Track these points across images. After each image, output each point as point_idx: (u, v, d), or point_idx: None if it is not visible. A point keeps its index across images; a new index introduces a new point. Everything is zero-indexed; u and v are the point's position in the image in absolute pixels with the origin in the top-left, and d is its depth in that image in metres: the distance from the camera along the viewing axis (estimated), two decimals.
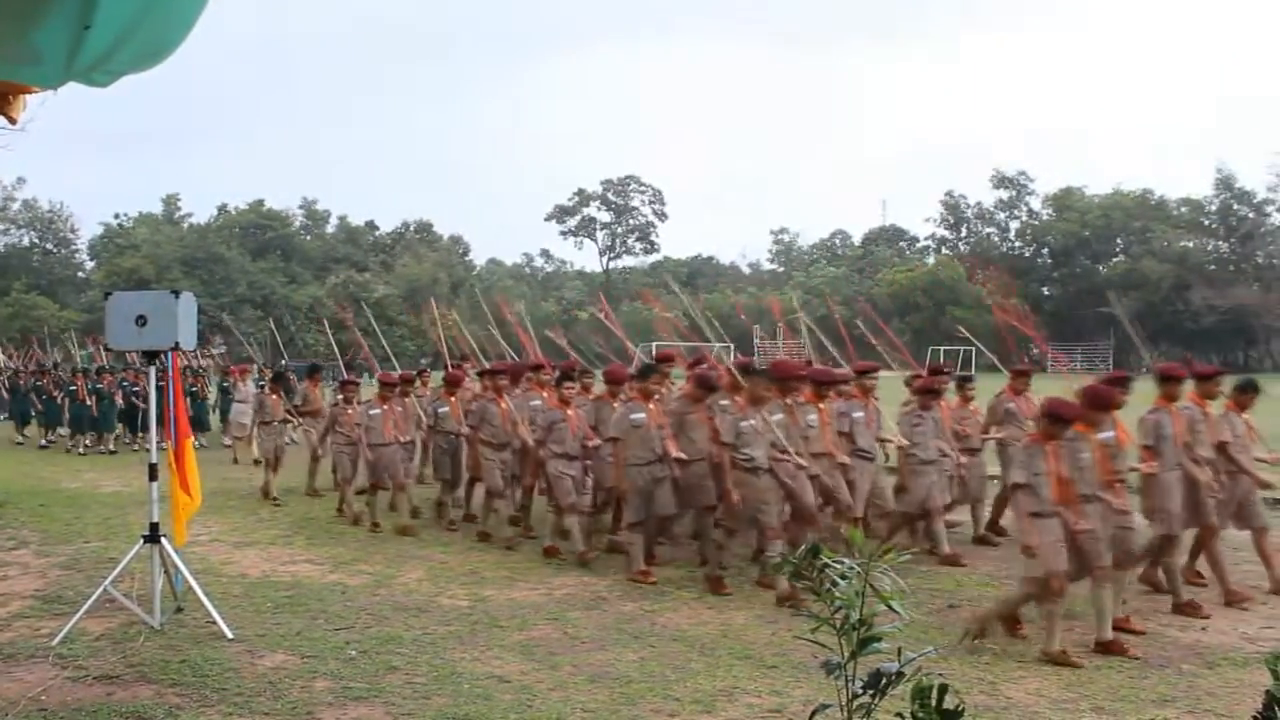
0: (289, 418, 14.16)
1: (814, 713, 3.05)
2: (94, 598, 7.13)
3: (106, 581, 7.19)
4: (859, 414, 9.53)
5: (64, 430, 21.64)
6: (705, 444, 8.76)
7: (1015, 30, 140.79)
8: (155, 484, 7.32)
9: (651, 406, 9.01)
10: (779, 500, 8.31)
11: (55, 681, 5.99)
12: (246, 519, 11.93)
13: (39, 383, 22.35)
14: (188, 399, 20.45)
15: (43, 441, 21.84)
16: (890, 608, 3.01)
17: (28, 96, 4.67)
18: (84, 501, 13.38)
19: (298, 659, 6.46)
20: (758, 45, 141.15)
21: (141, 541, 7.24)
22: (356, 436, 11.73)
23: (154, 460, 7.45)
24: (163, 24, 3.21)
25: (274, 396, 14.47)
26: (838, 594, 3.00)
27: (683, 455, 8.76)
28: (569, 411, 9.82)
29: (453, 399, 11.86)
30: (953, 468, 9.88)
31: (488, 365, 11.92)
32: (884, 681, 2.96)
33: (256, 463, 16.06)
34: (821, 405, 9.12)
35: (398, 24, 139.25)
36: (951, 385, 10.91)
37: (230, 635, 6.86)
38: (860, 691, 2.98)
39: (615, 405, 9.73)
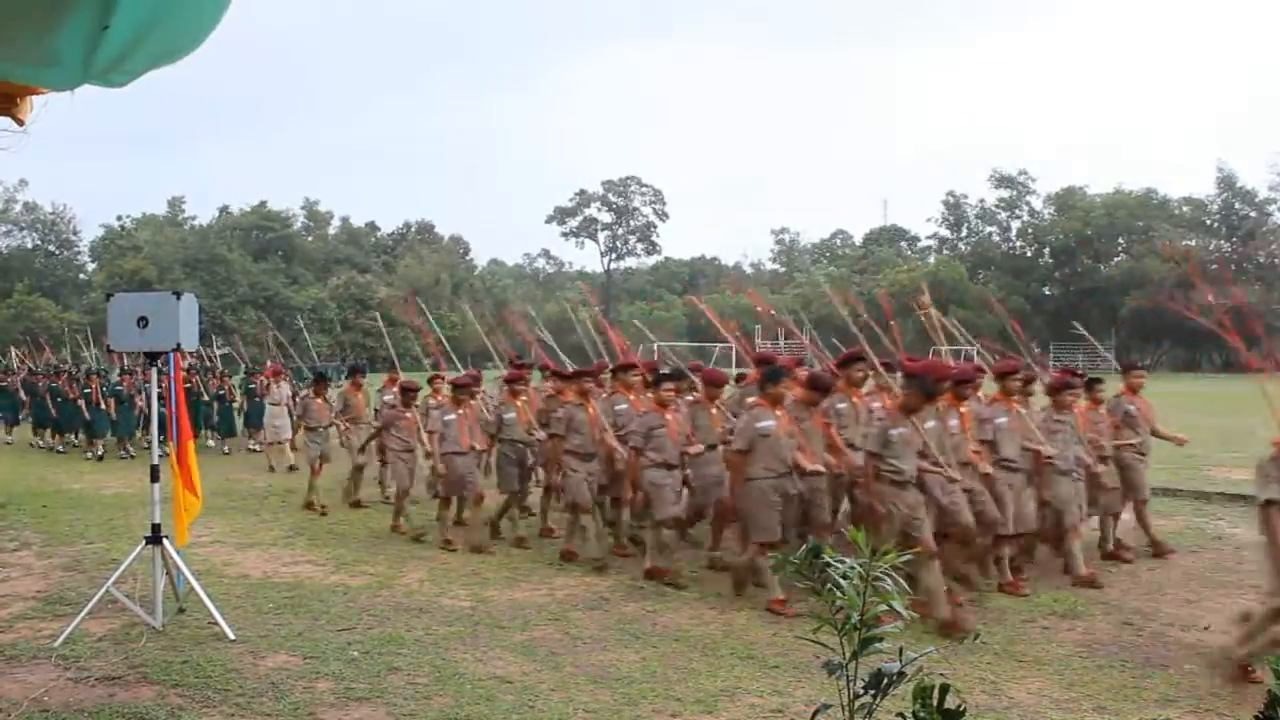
0: (335, 423, 13.41)
1: (816, 713, 3.05)
2: (96, 599, 7.13)
3: (109, 583, 7.20)
4: (1002, 419, 8.60)
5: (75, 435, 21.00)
6: (822, 454, 8.12)
7: (1017, 29, 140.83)
8: (157, 485, 7.33)
9: (780, 413, 8.03)
10: (931, 517, 7.55)
11: (57, 682, 5.99)
12: (248, 520, 11.93)
13: (55, 385, 21.28)
14: (215, 401, 20.21)
15: (59, 447, 21.12)
16: (892, 608, 3.01)
17: (33, 98, 4.68)
18: (86, 503, 13.39)
19: (299, 660, 6.46)
20: (758, 45, 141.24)
21: (143, 543, 7.26)
22: (431, 444, 10.53)
23: (155, 462, 7.46)
24: (182, 23, 3.20)
25: (319, 400, 13.66)
26: (839, 594, 2.99)
27: (819, 468, 8.01)
28: (668, 416, 8.95)
29: (519, 402, 10.89)
30: (1088, 477, 8.99)
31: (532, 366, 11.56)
32: (885, 681, 2.96)
33: (292, 469, 16.01)
34: (963, 409, 8.37)
35: (400, 27, 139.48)
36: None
37: (232, 636, 6.87)
38: (862, 691, 2.98)
39: (713, 411, 9.27)
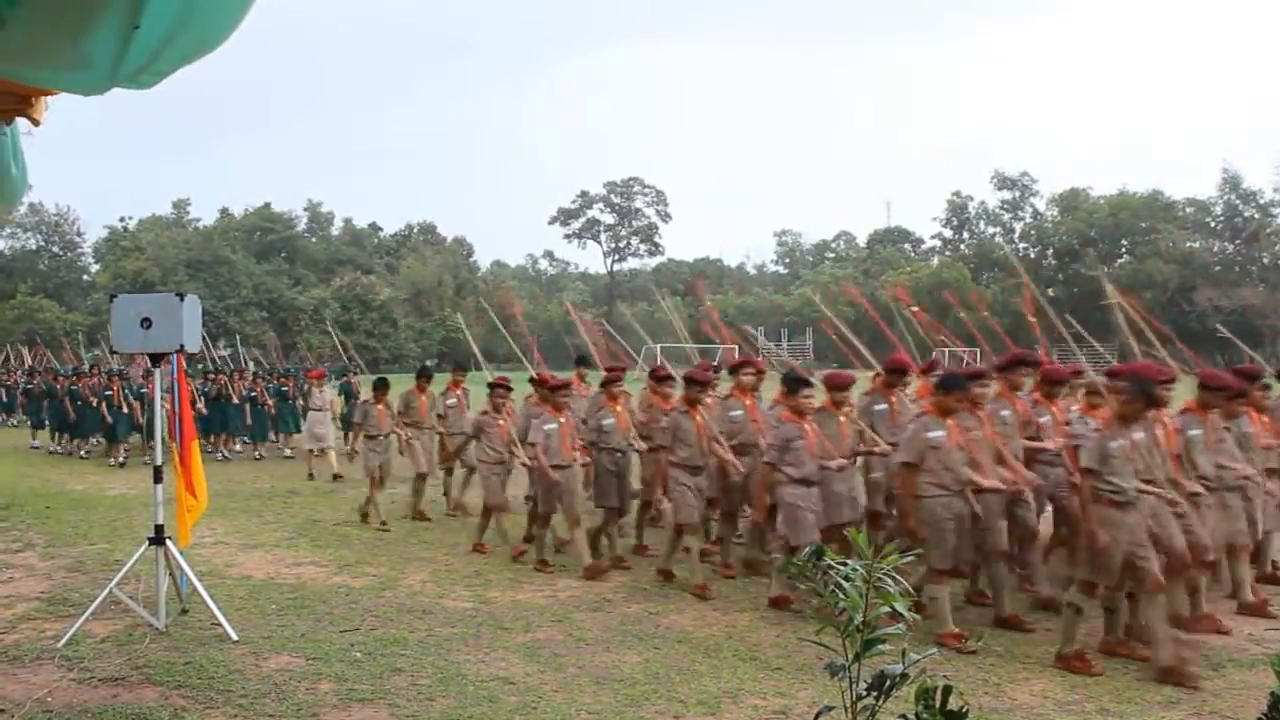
0: (396, 430, 12.40)
1: (818, 714, 3.05)
2: (99, 600, 7.14)
3: (112, 584, 7.21)
4: (1195, 431, 7.62)
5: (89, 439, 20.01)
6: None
7: (1021, 29, 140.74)
8: (160, 486, 7.34)
9: (952, 423, 7.25)
10: (1150, 542, 6.50)
11: (61, 683, 6.00)
12: (251, 521, 11.93)
13: (74, 388, 19.97)
14: (246, 404, 19.25)
15: (81, 452, 19.91)
16: (895, 610, 3.01)
17: (48, 98, 4.67)
18: (89, 504, 13.40)
19: (302, 661, 6.46)
20: (760, 46, 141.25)
21: (146, 544, 7.26)
22: (536, 459, 9.34)
23: (159, 463, 7.47)
24: (210, 20, 3.20)
25: (380, 406, 12.41)
26: (841, 596, 2.99)
27: (999, 485, 7.33)
28: (806, 426, 7.97)
29: (618, 408, 9.88)
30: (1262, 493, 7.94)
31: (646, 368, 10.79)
32: (888, 683, 2.96)
33: (336, 478, 15.42)
34: (1165, 418, 7.39)
35: (402, 28, 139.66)
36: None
37: (235, 637, 6.87)
38: (864, 693, 2.98)
39: (841, 418, 8.40)
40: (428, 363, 26.65)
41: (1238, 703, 5.75)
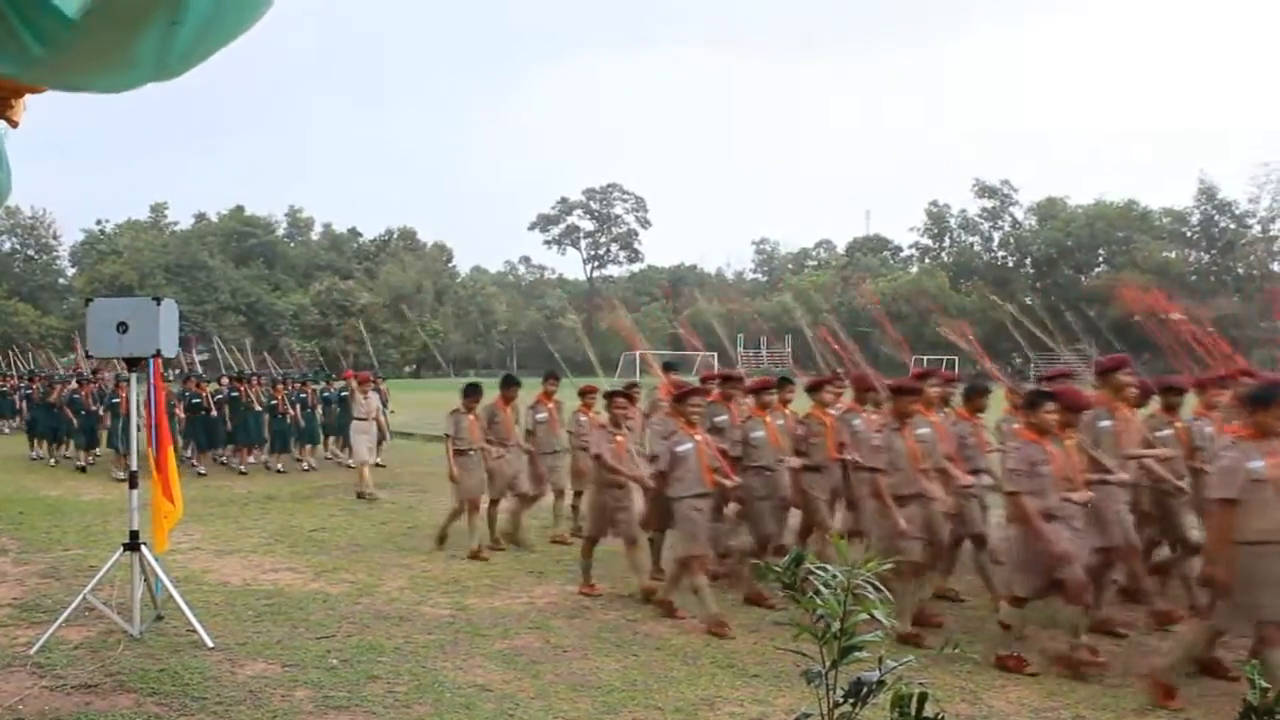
0: (485, 446, 10.71)
1: None
2: (73, 606, 7.07)
3: (86, 590, 7.15)
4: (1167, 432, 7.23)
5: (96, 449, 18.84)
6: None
7: (998, 38, 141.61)
8: (135, 492, 7.29)
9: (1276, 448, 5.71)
10: None
11: (33, 691, 5.94)
12: (228, 526, 11.86)
13: (76, 395, 18.85)
14: (267, 413, 18.03)
15: (81, 463, 18.50)
16: (873, 616, 3.02)
17: (27, 98, 4.63)
18: (64, 509, 13.29)
19: (278, 668, 6.43)
20: (741, 55, 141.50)
21: (121, 549, 7.21)
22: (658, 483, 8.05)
23: (134, 468, 7.43)
24: (243, 6, 3.22)
25: (471, 416, 10.70)
26: (819, 602, 3.00)
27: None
28: (1050, 448, 6.54)
29: (768, 418, 8.67)
30: None
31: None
32: (865, 690, 2.97)
33: (360, 496, 14.17)
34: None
35: (382, 33, 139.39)
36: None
37: (210, 644, 6.83)
38: (841, 700, 2.99)
39: (977, 424, 7.93)
40: (405, 369, 26.13)
41: (1211, 709, 5.79)
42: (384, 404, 18.71)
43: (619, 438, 8.66)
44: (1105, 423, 7.28)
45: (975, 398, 8.48)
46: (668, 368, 12.08)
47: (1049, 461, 6.45)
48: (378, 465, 16.54)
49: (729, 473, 8.02)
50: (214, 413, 17.52)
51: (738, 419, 9.07)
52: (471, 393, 10.81)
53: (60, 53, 2.97)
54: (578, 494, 11.15)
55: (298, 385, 19.20)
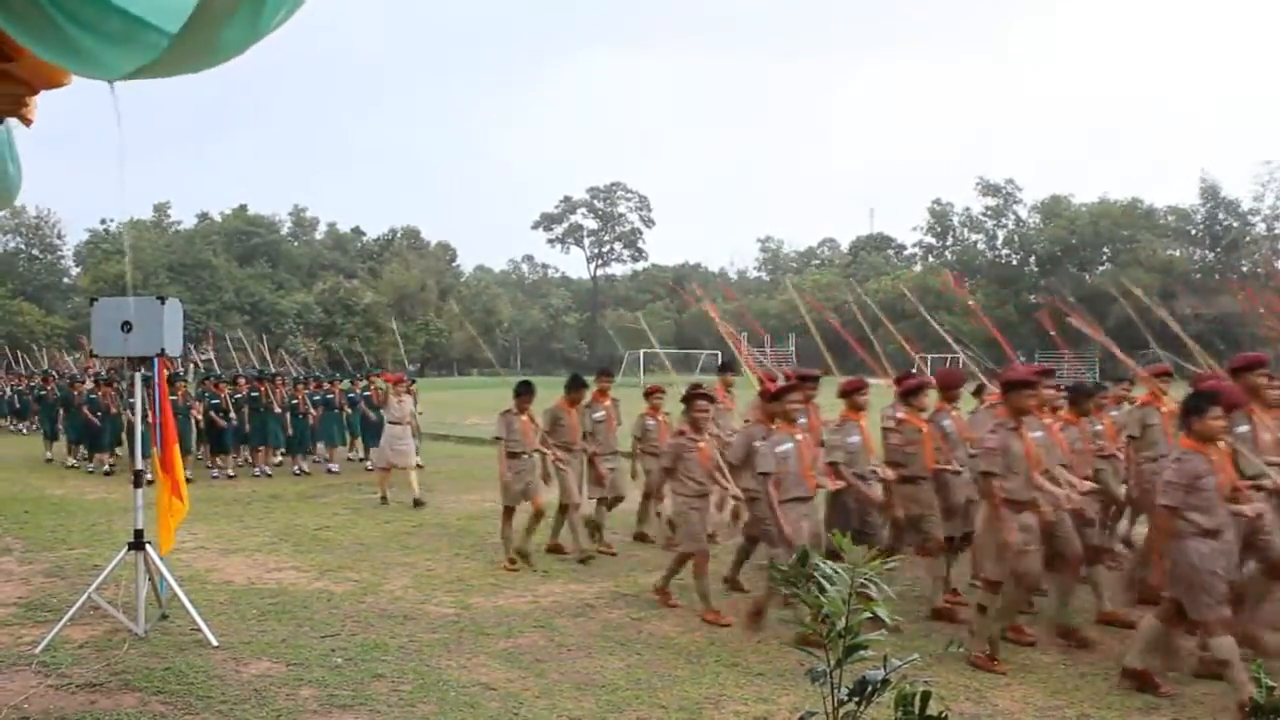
0: (542, 449, 10.00)
1: None
2: (78, 605, 7.08)
3: (91, 589, 7.15)
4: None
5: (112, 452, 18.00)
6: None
7: (1004, 36, 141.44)
8: (140, 491, 7.29)
9: None
10: None
11: (38, 690, 5.95)
12: (232, 526, 11.87)
13: (94, 396, 18.15)
14: (287, 413, 17.30)
15: (105, 467, 17.73)
16: (877, 615, 3.01)
17: (40, 96, 4.64)
18: (69, 508, 13.31)
19: (283, 667, 6.43)
20: (746, 55, 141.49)
21: (126, 548, 7.21)
22: (767, 493, 7.18)
23: (139, 467, 7.43)
24: None
25: (524, 417, 9.95)
26: (824, 601, 3.00)
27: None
28: (1213, 457, 5.90)
29: (862, 420, 8.02)
30: None
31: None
32: (869, 689, 2.97)
33: (418, 504, 13.39)
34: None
35: (385, 32, 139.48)
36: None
37: (215, 643, 6.83)
38: (846, 699, 2.99)
39: (1084, 427, 7.42)
40: (409, 368, 25.52)
41: (1217, 707, 5.78)
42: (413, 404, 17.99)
43: (701, 444, 8.02)
44: (1243, 427, 6.75)
45: (1082, 399, 7.97)
46: (725, 368, 11.66)
47: (1214, 473, 5.83)
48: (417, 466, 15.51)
49: (831, 475, 7.57)
50: (233, 414, 16.93)
51: (817, 422, 8.64)
52: (524, 392, 10.06)
53: (157, 61, 3.02)
54: (645, 499, 10.79)
55: (318, 385, 18.52)
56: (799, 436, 7.35)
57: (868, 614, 2.99)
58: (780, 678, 6.27)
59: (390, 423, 14.42)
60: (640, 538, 10.81)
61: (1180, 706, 5.84)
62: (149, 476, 7.58)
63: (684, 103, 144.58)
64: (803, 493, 7.24)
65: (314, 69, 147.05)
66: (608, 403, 10.78)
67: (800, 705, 5.49)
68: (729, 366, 11.65)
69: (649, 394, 10.75)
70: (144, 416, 7.59)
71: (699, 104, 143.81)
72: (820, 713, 3.02)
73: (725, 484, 8.18)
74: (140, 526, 7.18)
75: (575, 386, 10.56)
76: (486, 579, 9.08)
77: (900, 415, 8.11)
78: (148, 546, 7.20)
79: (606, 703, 5.82)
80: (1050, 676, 6.36)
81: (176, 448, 7.85)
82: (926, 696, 2.95)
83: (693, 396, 8.24)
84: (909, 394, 8.11)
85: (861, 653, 2.99)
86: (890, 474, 7.84)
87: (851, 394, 8.08)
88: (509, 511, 9.77)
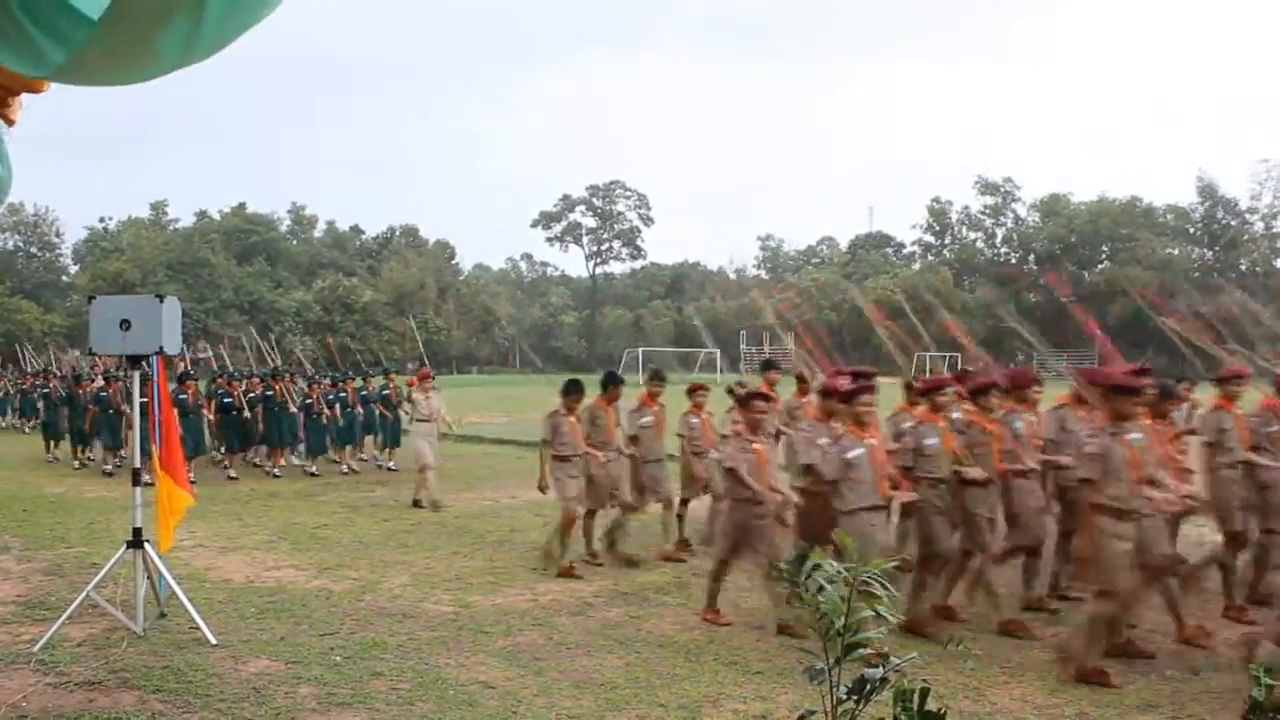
0: (590, 451, 9.49)
1: (799, 718, 3.05)
2: (76, 603, 7.07)
3: (89, 587, 7.15)
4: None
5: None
6: None
7: (1002, 35, 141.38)
8: (138, 489, 7.29)
9: None
10: None
11: (36, 688, 5.95)
12: (231, 524, 11.87)
13: (103, 393, 17.53)
14: (302, 413, 16.77)
15: (108, 467, 17.24)
16: (878, 613, 3.02)
17: (23, 96, 4.63)
18: (67, 506, 13.30)
19: (282, 665, 6.43)
20: (744, 54, 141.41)
21: (125, 547, 7.21)
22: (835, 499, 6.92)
23: (137, 465, 7.43)
24: None
25: (573, 418, 9.57)
26: (823, 600, 3.00)
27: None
28: None
29: (941, 421, 7.55)
30: None
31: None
32: (868, 687, 2.97)
33: (436, 506, 13.00)
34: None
35: (383, 30, 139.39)
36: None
37: (214, 641, 6.83)
38: (845, 697, 2.99)
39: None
40: (408, 366, 25.02)
41: (1216, 706, 5.78)
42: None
43: (757, 446, 7.59)
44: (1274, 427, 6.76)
45: (1163, 402, 7.49)
46: (769, 365, 10.93)
47: None
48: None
49: (901, 483, 7.09)
50: (247, 413, 16.61)
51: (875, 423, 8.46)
52: (573, 391, 9.58)
53: (86, 52, 2.98)
54: (684, 503, 10.45)
55: (332, 384, 17.92)
56: (871, 441, 6.95)
57: (868, 612, 2.98)
58: (779, 676, 6.27)
59: (419, 420, 13.92)
60: (708, 542, 9.83)
61: (1179, 704, 5.84)
62: (146, 475, 7.55)
63: (683, 102, 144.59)
64: (875, 501, 6.85)
65: (313, 67, 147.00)
66: (656, 408, 10.24)
67: (799, 704, 5.49)
68: (772, 364, 11.04)
69: (692, 391, 10.42)
70: (143, 414, 7.59)
71: (698, 103, 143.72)
72: (819, 711, 3.02)
73: (781, 490, 7.67)
74: (139, 525, 7.17)
75: (611, 384, 10.04)
76: (485, 577, 9.08)
77: (968, 416, 7.72)
78: (146, 545, 7.19)
79: (605, 701, 5.82)
80: (1049, 675, 6.35)
81: (178, 445, 7.86)
82: (925, 693, 2.95)
83: (750, 396, 7.89)
84: (977, 393, 7.71)
85: (860, 651, 2.99)
86: (978, 473, 7.29)
87: (930, 393, 7.68)
88: (590, 514, 9.57)
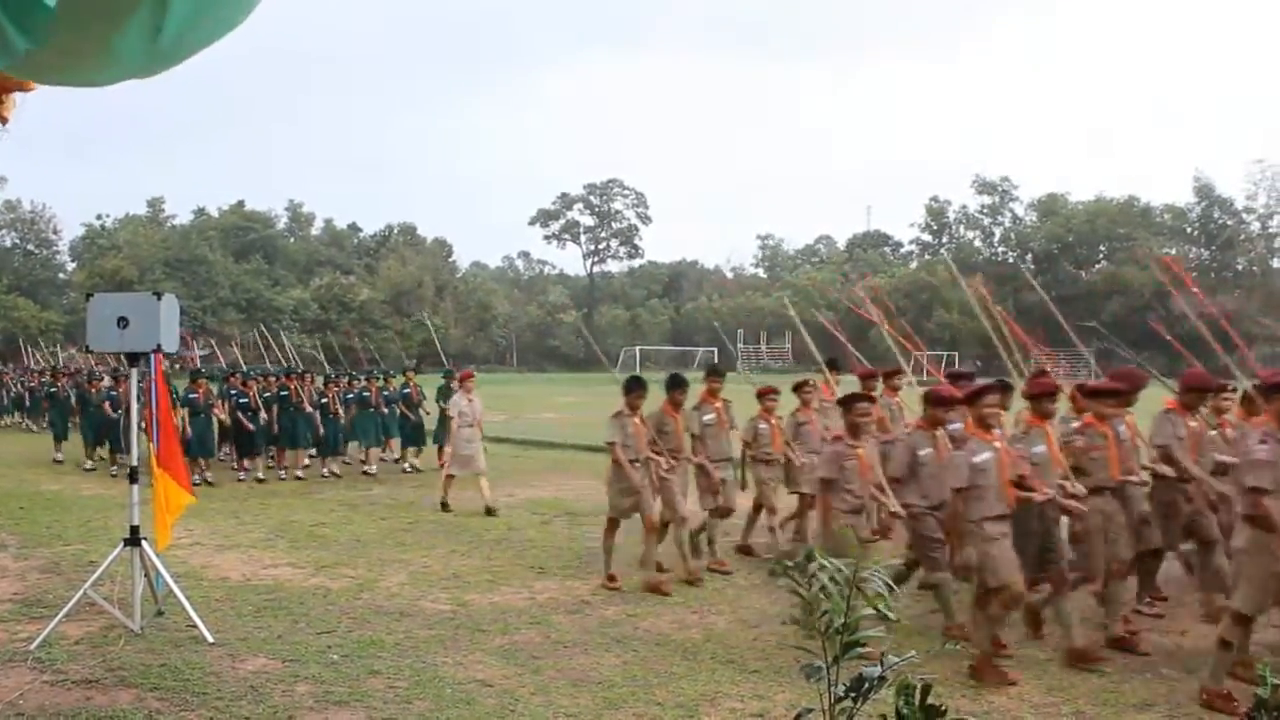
0: (653, 456, 8.82)
1: (797, 717, 3.05)
2: (74, 601, 7.07)
3: (87, 585, 7.15)
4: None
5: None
6: None
7: (1000, 35, 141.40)
8: (135, 487, 7.28)
9: None
10: None
11: (33, 686, 5.94)
12: (228, 522, 11.86)
13: (114, 393, 17.11)
14: (317, 412, 16.37)
15: (113, 470, 16.68)
16: (878, 611, 3.01)
17: (17, 94, 4.62)
18: (65, 504, 13.29)
19: (279, 663, 6.42)
20: (744, 53, 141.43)
21: (122, 544, 7.20)
22: (954, 509, 6.57)
23: (134, 463, 7.42)
24: (226, 4, 3.21)
25: (637, 419, 8.81)
26: (821, 597, 3.00)
27: None
28: None
29: (1047, 427, 6.98)
30: None
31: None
32: (866, 686, 2.96)
33: (490, 512, 12.37)
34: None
35: (381, 28, 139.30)
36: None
37: (211, 639, 6.82)
38: (843, 696, 2.98)
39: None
40: (406, 364, 24.38)
41: (1213, 706, 5.78)
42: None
43: (859, 451, 7.27)
44: None
45: (1255, 400, 6.87)
46: (832, 364, 10.55)
47: None
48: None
49: (1035, 487, 6.50)
50: (263, 413, 15.99)
51: (887, 422, 8.14)
52: (636, 389, 8.85)
53: (45, 46, 2.97)
54: (755, 510, 10.06)
55: (349, 383, 17.47)
56: (998, 445, 6.45)
57: (868, 610, 2.98)
58: (777, 674, 6.27)
59: (465, 426, 12.99)
60: (744, 550, 9.98)
61: (1176, 703, 5.84)
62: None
63: (683, 102, 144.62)
64: (1002, 510, 6.37)
65: (312, 65, 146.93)
66: (718, 404, 9.69)
67: (797, 702, 5.48)
68: (834, 364, 10.69)
69: (761, 395, 9.92)
70: (141, 412, 7.58)
71: (698, 103, 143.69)
72: (817, 709, 3.02)
73: (884, 498, 7.33)
74: (136, 523, 7.17)
75: (676, 387, 9.26)
76: (483, 576, 9.08)
77: (1084, 419, 7.28)
78: (144, 543, 7.18)
79: (603, 699, 5.82)
80: (1046, 673, 6.36)
81: (176, 442, 7.85)
82: (927, 688, 2.95)
83: (853, 398, 7.58)
84: (1095, 396, 7.25)
85: (859, 649, 2.99)
86: (1080, 489, 6.73)
87: (1040, 398, 7.03)
88: (613, 523, 8.89)
